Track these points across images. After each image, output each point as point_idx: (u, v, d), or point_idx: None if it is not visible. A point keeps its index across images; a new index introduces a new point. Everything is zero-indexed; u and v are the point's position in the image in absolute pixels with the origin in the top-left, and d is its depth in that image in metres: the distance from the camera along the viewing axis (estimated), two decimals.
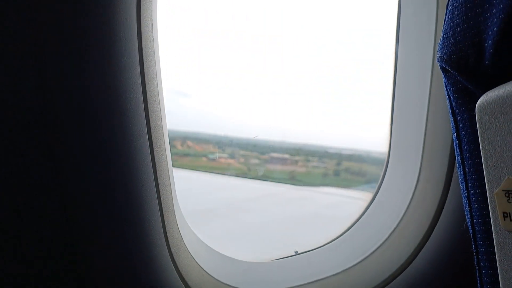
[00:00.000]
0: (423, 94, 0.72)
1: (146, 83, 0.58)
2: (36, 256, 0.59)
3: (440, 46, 0.41)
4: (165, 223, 0.63)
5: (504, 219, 0.34)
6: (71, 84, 0.53)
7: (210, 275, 0.72)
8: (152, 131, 0.60)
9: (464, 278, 0.70)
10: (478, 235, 0.41)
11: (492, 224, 0.36)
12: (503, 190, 0.34)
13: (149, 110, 0.59)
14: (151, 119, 0.59)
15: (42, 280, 0.60)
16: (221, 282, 0.73)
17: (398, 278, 0.73)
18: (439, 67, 0.42)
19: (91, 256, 0.60)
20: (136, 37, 0.57)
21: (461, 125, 0.41)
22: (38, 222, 0.57)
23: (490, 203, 0.36)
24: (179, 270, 0.65)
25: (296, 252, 0.87)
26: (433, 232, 0.72)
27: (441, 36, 0.41)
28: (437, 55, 0.41)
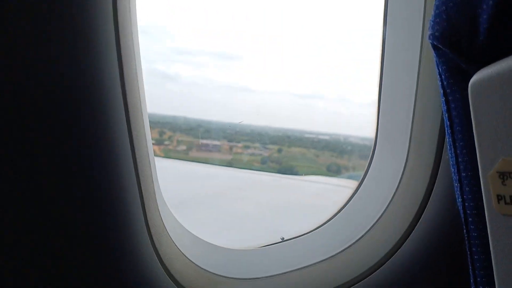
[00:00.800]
0: (411, 74, 0.70)
1: (124, 66, 0.56)
2: (13, 246, 0.56)
3: (432, 23, 0.39)
4: (146, 211, 0.61)
5: (498, 202, 0.33)
6: (42, 71, 0.51)
7: (193, 262, 0.71)
8: (131, 115, 0.57)
9: (453, 264, 0.70)
10: (470, 219, 0.40)
11: (485, 208, 0.35)
12: (497, 172, 0.33)
13: (127, 95, 0.56)
14: (129, 104, 0.57)
15: (21, 273, 0.58)
16: (205, 270, 0.72)
17: (385, 264, 0.73)
18: (430, 45, 0.40)
19: (69, 245, 0.58)
20: (112, 17, 0.54)
21: (453, 105, 0.39)
22: (14, 211, 0.54)
23: (484, 186, 0.34)
24: (161, 258, 0.63)
25: (282, 239, 0.86)
26: (422, 217, 0.71)
27: (432, 12, 0.39)
28: (428, 32, 0.39)
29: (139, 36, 0.64)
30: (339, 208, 0.86)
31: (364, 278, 0.74)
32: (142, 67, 0.64)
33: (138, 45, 0.63)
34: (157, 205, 0.65)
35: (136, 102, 0.59)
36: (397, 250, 0.73)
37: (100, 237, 0.58)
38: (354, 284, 0.74)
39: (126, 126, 0.57)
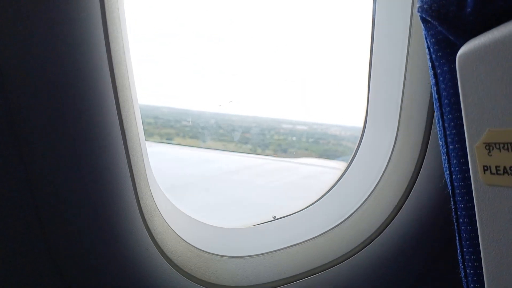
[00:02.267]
0: (401, 48, 0.70)
1: (112, 52, 0.55)
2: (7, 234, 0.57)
3: None
4: (137, 191, 0.61)
5: (484, 173, 0.33)
6: (31, 60, 0.51)
7: (186, 241, 0.71)
8: (120, 98, 0.57)
9: (443, 236, 0.71)
10: (457, 191, 0.40)
11: (471, 179, 0.35)
12: (483, 143, 0.33)
13: (116, 80, 0.56)
14: (118, 88, 0.56)
15: (15, 260, 0.58)
16: (198, 248, 0.72)
17: (377, 238, 0.74)
18: (419, 18, 0.40)
19: (61, 227, 0.58)
20: (100, 9, 0.53)
21: (441, 78, 0.40)
22: (7, 197, 0.54)
23: (470, 157, 0.35)
24: (154, 238, 0.64)
25: (274, 217, 0.86)
26: (411, 192, 0.72)
27: None
28: (417, 5, 0.39)
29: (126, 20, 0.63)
30: (331, 185, 0.86)
31: (356, 253, 0.75)
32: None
33: (127, 30, 0.62)
34: (148, 185, 0.65)
35: (126, 86, 0.59)
36: (388, 224, 0.74)
37: (92, 219, 0.59)
38: (346, 259, 0.75)
39: (116, 108, 0.57)
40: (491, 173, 0.33)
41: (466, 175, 0.39)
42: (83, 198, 0.57)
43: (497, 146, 0.32)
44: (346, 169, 0.85)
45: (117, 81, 0.56)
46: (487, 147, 0.33)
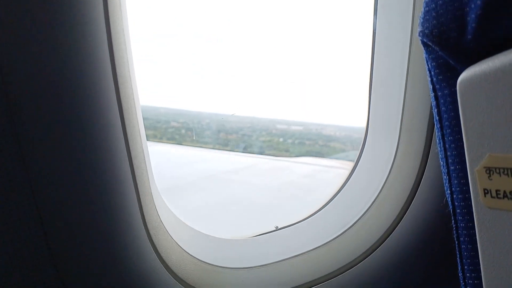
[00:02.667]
0: (401, 69, 0.71)
1: (115, 54, 0.55)
2: (9, 246, 0.57)
3: (421, 20, 0.39)
4: (142, 205, 0.61)
5: (485, 196, 0.34)
6: (33, 60, 0.50)
7: (190, 254, 0.72)
8: (124, 111, 0.57)
9: (443, 248, 0.72)
10: (458, 210, 0.41)
11: (472, 201, 0.36)
12: (484, 167, 0.34)
13: (120, 90, 0.56)
14: (122, 98, 0.57)
15: (19, 271, 0.58)
16: (202, 261, 0.73)
17: (376, 250, 0.75)
18: (420, 42, 0.41)
19: (66, 242, 0.59)
20: (103, 10, 0.53)
21: (442, 101, 0.40)
22: (8, 213, 0.54)
23: (471, 180, 0.36)
24: (158, 252, 0.64)
25: (276, 227, 0.87)
26: (411, 205, 0.73)
27: (422, 9, 0.39)
28: (418, 29, 0.40)
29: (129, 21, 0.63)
30: (331, 196, 0.87)
31: (358, 264, 0.76)
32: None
33: (128, 31, 0.62)
34: (152, 198, 0.66)
35: (129, 95, 0.59)
36: (389, 235, 0.75)
37: (96, 233, 0.59)
38: (347, 270, 0.76)
39: (120, 121, 0.57)
40: (492, 197, 0.34)
41: (466, 195, 0.39)
42: (86, 211, 0.58)
43: (497, 171, 0.33)
44: (347, 180, 0.86)
45: (121, 94, 0.56)
46: (488, 171, 0.33)
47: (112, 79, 0.55)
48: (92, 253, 0.60)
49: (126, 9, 0.61)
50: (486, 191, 0.34)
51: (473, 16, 0.34)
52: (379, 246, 0.75)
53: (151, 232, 0.64)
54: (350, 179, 0.86)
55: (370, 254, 0.75)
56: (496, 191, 0.33)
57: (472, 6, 0.33)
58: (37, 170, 0.54)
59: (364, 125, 0.83)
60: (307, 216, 0.88)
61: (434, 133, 0.69)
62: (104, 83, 0.54)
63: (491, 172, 0.33)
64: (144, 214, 0.62)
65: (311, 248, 0.80)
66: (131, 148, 0.59)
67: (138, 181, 0.61)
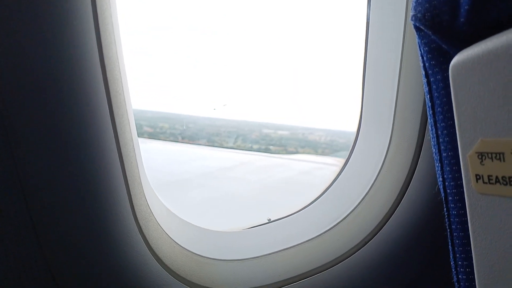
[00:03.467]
0: (395, 56, 0.71)
1: (104, 50, 0.54)
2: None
3: (414, 4, 0.39)
4: (132, 196, 0.61)
5: (477, 181, 0.34)
6: (21, 60, 0.50)
7: (181, 246, 0.71)
8: (113, 99, 0.56)
9: (436, 240, 0.72)
10: (450, 198, 0.41)
11: (464, 187, 0.36)
12: (476, 152, 0.33)
13: (108, 78, 0.55)
14: (111, 89, 0.56)
15: (8, 265, 0.58)
16: (193, 253, 0.72)
17: (370, 242, 0.74)
18: (413, 27, 0.41)
19: (56, 235, 0.58)
20: (91, 10, 0.52)
21: (434, 86, 0.40)
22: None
23: (463, 166, 0.35)
24: (148, 243, 0.64)
25: (269, 220, 0.87)
26: (405, 196, 0.73)
27: None
28: (411, 14, 0.39)
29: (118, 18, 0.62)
30: (326, 187, 0.87)
31: (350, 256, 0.76)
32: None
33: (119, 28, 0.61)
34: (142, 190, 0.65)
35: (118, 87, 0.59)
36: (382, 227, 0.75)
37: (85, 225, 0.58)
38: (340, 262, 0.76)
39: (108, 111, 0.56)
40: (484, 182, 0.33)
41: (459, 182, 0.39)
42: (76, 203, 0.57)
43: (490, 156, 0.32)
44: (339, 172, 0.86)
45: (110, 86, 0.56)
46: (480, 157, 0.33)
47: (100, 72, 0.54)
48: (82, 245, 0.59)
49: (116, 8, 0.60)
50: (478, 177, 0.34)
51: None
52: (372, 238, 0.75)
53: (141, 223, 0.63)
54: (344, 171, 0.85)
55: (363, 246, 0.75)
56: (488, 176, 0.33)
57: None
58: (26, 161, 0.53)
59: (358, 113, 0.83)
60: (300, 208, 0.87)
61: (427, 123, 0.69)
62: (92, 76, 0.54)
63: (483, 157, 0.33)
64: (134, 206, 0.61)
65: (304, 240, 0.79)
66: (120, 140, 0.58)
67: (127, 173, 0.60)
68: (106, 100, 0.55)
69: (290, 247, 0.79)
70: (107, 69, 0.55)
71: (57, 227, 0.58)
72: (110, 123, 0.56)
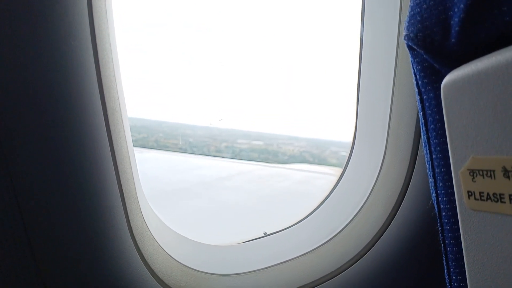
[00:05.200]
0: (388, 73, 0.72)
1: (99, 55, 0.54)
2: None
3: (407, 24, 0.40)
4: (128, 211, 0.61)
5: (469, 198, 0.34)
6: (15, 62, 0.49)
7: (177, 261, 0.71)
8: (110, 116, 0.56)
9: (430, 253, 0.72)
10: (443, 213, 0.41)
11: (457, 203, 0.36)
12: (467, 169, 0.34)
13: (104, 89, 0.55)
14: (107, 104, 0.56)
15: (2, 278, 0.57)
16: (189, 267, 0.72)
17: (365, 256, 0.75)
18: (406, 46, 0.42)
19: (50, 248, 0.57)
20: (87, 16, 0.52)
21: (427, 104, 0.41)
22: None
23: (455, 182, 0.36)
24: (144, 258, 0.63)
25: (265, 233, 0.87)
26: (398, 211, 0.73)
27: (407, 13, 0.40)
28: (404, 33, 0.40)
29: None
30: (319, 203, 0.87)
31: (345, 270, 0.76)
32: None
33: (114, 31, 0.61)
34: (139, 205, 0.65)
35: (114, 98, 0.59)
36: (377, 241, 0.75)
37: (81, 239, 0.58)
38: (335, 276, 0.76)
39: (105, 126, 0.56)
40: (475, 199, 0.34)
41: (451, 198, 0.40)
42: (71, 218, 0.57)
43: (481, 173, 0.33)
44: (334, 186, 0.86)
45: (106, 100, 0.56)
46: (471, 174, 0.34)
47: (96, 80, 0.54)
48: (76, 259, 0.59)
49: (111, 10, 0.60)
50: (470, 193, 0.34)
51: (456, 19, 0.34)
52: (367, 252, 0.75)
53: (137, 238, 0.63)
54: (338, 185, 0.86)
55: (358, 260, 0.75)
56: (480, 193, 0.33)
57: (456, 10, 0.34)
58: (20, 176, 0.53)
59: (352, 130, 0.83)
60: (295, 222, 0.87)
61: (421, 138, 0.70)
62: (88, 85, 0.53)
63: (475, 174, 0.33)
64: (130, 220, 0.61)
65: (299, 254, 0.79)
66: (116, 153, 0.58)
67: (123, 187, 0.60)
68: (102, 115, 0.56)
69: (286, 261, 0.79)
70: (104, 85, 0.55)
71: (51, 240, 0.57)
72: (106, 136, 0.57)
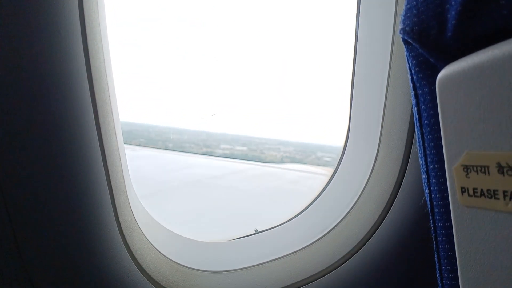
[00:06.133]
0: (383, 68, 0.71)
1: (90, 52, 0.54)
2: None
3: (403, 18, 0.39)
4: (116, 206, 0.60)
5: (462, 194, 0.34)
6: (5, 61, 0.48)
7: (166, 257, 0.70)
8: (99, 111, 0.55)
9: (421, 253, 0.72)
10: (436, 210, 0.41)
11: (450, 199, 0.36)
12: (461, 165, 0.34)
13: (94, 84, 0.54)
14: (97, 97, 0.55)
15: None
16: (178, 263, 0.71)
17: (357, 253, 0.74)
18: (401, 40, 0.41)
19: (37, 244, 0.56)
20: (78, 18, 0.52)
21: (421, 99, 0.40)
22: None
23: (449, 178, 0.35)
24: (132, 253, 0.63)
25: (256, 231, 0.86)
26: (392, 207, 0.73)
27: (403, 7, 0.39)
28: (399, 27, 0.40)
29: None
30: (312, 200, 0.87)
31: (337, 268, 0.75)
32: None
33: (106, 30, 0.60)
34: (128, 200, 0.64)
35: (105, 95, 0.58)
36: (369, 239, 0.75)
37: (68, 234, 0.57)
38: (327, 274, 0.75)
39: (94, 120, 0.55)
40: (469, 195, 0.33)
41: (445, 194, 0.39)
42: (59, 211, 0.56)
43: (475, 169, 0.32)
44: (327, 184, 0.86)
45: (96, 94, 0.55)
46: (465, 169, 0.33)
47: (86, 75, 0.53)
48: (63, 253, 0.58)
49: (104, 12, 0.59)
50: (463, 190, 0.34)
51: (453, 13, 0.34)
52: (359, 249, 0.75)
53: (126, 233, 0.62)
54: (331, 182, 0.85)
55: (350, 258, 0.75)
56: (473, 189, 0.33)
57: (452, 3, 0.33)
58: (7, 171, 0.52)
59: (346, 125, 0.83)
60: (286, 219, 0.87)
61: (414, 135, 0.69)
62: (78, 79, 0.53)
63: (469, 170, 0.33)
64: (118, 215, 0.60)
65: (291, 252, 0.79)
66: (105, 147, 0.57)
67: (112, 182, 0.59)
68: (92, 108, 0.55)
69: (277, 259, 0.78)
70: (94, 77, 0.54)
71: (38, 234, 0.56)
72: (95, 130, 0.56)
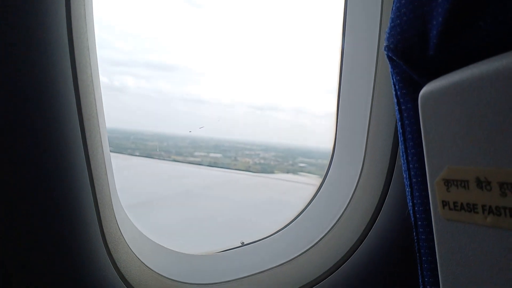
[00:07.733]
0: (368, 84, 0.73)
1: (76, 58, 0.53)
2: None
3: (387, 35, 0.40)
4: (102, 218, 0.59)
5: (443, 208, 0.35)
6: None
7: (152, 270, 0.69)
8: (85, 119, 0.55)
9: (406, 265, 0.73)
10: (419, 222, 0.41)
11: (432, 212, 0.37)
12: (442, 179, 0.34)
13: (81, 99, 0.54)
14: (83, 108, 0.55)
15: None
16: (164, 276, 0.71)
17: (343, 266, 0.75)
18: (386, 56, 0.42)
19: (21, 256, 0.55)
20: (65, 22, 0.51)
21: (405, 114, 0.41)
22: None
23: (431, 192, 0.36)
24: (117, 266, 0.62)
25: (242, 243, 0.86)
26: (377, 220, 0.74)
27: (388, 24, 0.40)
28: (384, 44, 0.41)
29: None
30: (298, 213, 0.87)
31: (323, 280, 0.75)
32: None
33: (94, 33, 0.60)
34: (113, 212, 0.64)
35: (92, 106, 0.58)
36: (355, 251, 0.75)
37: (51, 245, 0.56)
38: (312, 286, 0.75)
39: (80, 131, 0.55)
40: (450, 209, 0.34)
41: (427, 207, 0.40)
42: (42, 223, 0.55)
43: (455, 183, 0.33)
44: (313, 197, 0.86)
45: (82, 105, 0.55)
46: (446, 183, 0.34)
47: (72, 83, 0.53)
48: (46, 266, 0.57)
49: (92, 20, 0.59)
50: (444, 203, 0.35)
51: (434, 33, 0.35)
52: (345, 262, 0.75)
53: (110, 246, 0.61)
54: (317, 195, 0.86)
55: (336, 270, 0.75)
56: (454, 203, 0.34)
57: (434, 23, 0.35)
58: None
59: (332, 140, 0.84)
60: (273, 232, 0.87)
61: (398, 149, 0.71)
62: (63, 87, 0.52)
63: (449, 184, 0.34)
64: (103, 227, 0.60)
65: (277, 265, 0.79)
66: (91, 158, 0.57)
67: (97, 194, 0.58)
68: (77, 118, 0.54)
69: (263, 271, 0.78)
70: (81, 92, 0.54)
71: (20, 247, 0.55)
72: (81, 141, 0.55)
